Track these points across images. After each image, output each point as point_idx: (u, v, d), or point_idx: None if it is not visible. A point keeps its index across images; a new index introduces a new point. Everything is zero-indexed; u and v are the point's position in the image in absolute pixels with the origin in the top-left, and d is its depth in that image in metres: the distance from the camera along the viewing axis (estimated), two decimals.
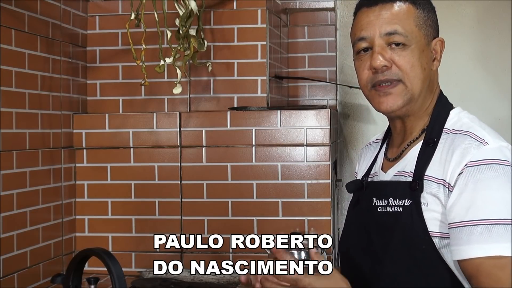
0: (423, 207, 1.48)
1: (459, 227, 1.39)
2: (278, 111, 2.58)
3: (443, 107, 1.62)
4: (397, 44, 1.55)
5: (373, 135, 3.17)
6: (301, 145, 2.56)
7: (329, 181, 2.56)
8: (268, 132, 2.58)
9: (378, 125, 3.25)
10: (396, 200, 1.53)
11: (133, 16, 2.38)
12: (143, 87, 2.69)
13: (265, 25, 2.70)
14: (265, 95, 2.70)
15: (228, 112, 2.61)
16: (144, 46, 2.39)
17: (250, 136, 2.58)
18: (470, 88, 3.23)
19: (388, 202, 1.55)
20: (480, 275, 1.36)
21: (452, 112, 1.60)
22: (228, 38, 2.71)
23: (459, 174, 1.43)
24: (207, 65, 2.58)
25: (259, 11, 2.70)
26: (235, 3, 2.72)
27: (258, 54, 2.70)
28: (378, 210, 1.57)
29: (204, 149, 2.62)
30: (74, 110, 2.67)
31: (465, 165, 1.43)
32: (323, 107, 2.75)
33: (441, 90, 1.66)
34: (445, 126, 1.57)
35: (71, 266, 1.68)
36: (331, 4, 3.26)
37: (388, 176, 1.62)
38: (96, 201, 2.68)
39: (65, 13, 2.58)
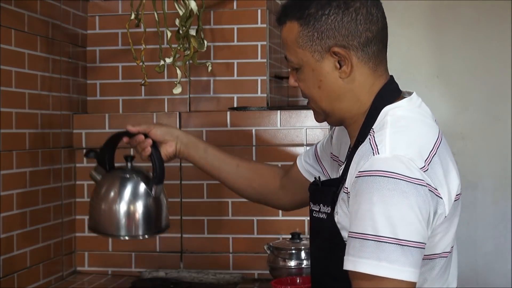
0: (336, 215, 1.43)
1: (348, 237, 1.35)
2: (278, 111, 2.58)
3: (380, 104, 1.46)
4: (295, 68, 1.51)
5: None
6: (301, 145, 2.56)
7: None
8: (268, 132, 2.58)
9: None
10: (325, 207, 1.48)
11: (133, 16, 2.38)
12: (143, 87, 2.68)
13: (265, 25, 2.70)
14: (265, 95, 2.69)
15: (228, 112, 2.61)
16: (144, 46, 2.39)
17: (250, 136, 2.58)
18: (470, 88, 3.23)
19: (320, 208, 1.51)
20: None
21: (385, 109, 1.44)
22: (228, 38, 2.71)
23: (353, 183, 1.36)
24: (207, 65, 2.58)
25: (259, 11, 2.70)
26: (235, 3, 2.71)
27: (258, 54, 2.70)
28: (313, 215, 1.53)
29: None
30: (74, 110, 2.67)
31: (356, 175, 1.34)
32: None
33: (385, 83, 1.49)
34: (373, 126, 1.43)
35: (107, 144, 1.87)
36: None
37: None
38: None
39: (65, 13, 2.58)
